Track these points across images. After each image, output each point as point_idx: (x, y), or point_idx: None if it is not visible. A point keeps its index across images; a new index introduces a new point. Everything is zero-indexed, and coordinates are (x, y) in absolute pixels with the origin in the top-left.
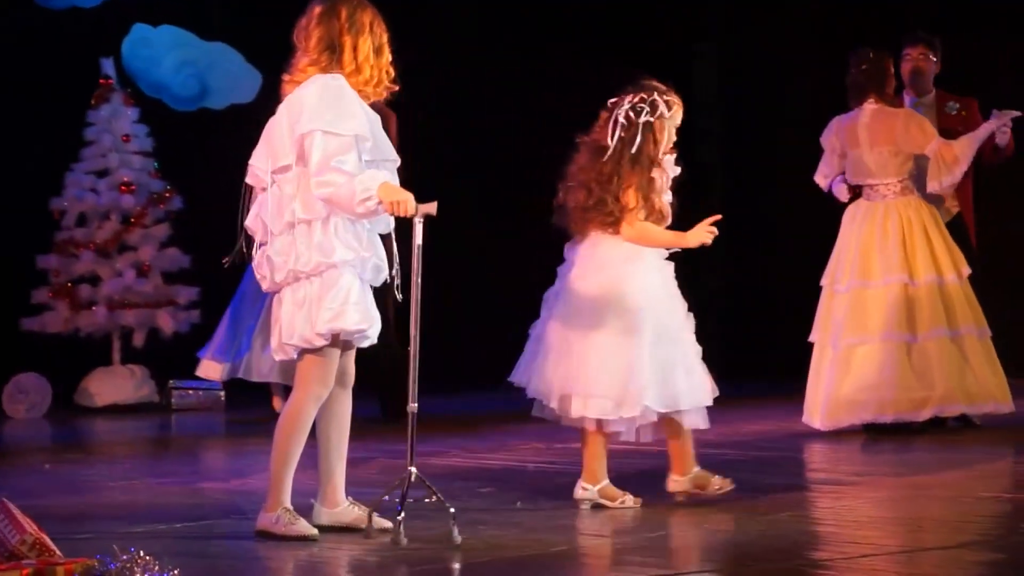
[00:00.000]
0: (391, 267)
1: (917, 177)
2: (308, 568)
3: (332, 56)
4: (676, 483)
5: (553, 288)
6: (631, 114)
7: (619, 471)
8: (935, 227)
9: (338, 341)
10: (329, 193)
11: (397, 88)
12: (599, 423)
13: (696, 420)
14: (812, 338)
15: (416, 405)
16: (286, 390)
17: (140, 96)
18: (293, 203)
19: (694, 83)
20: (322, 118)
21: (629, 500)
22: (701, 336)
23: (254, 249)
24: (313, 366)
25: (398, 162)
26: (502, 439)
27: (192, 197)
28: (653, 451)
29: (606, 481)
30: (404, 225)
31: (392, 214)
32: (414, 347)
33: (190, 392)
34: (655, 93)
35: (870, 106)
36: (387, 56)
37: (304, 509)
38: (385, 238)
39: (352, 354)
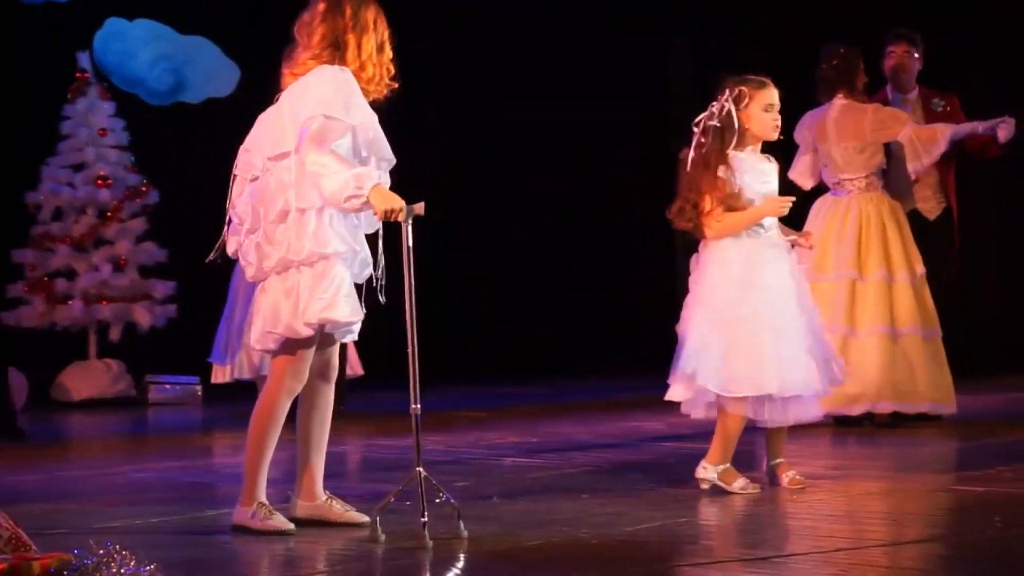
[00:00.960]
0: (376, 268)
1: (883, 173)
2: (284, 562)
3: (335, 53)
4: (704, 470)
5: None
6: (707, 122)
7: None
8: (894, 224)
9: (315, 336)
10: (318, 173)
11: (396, 85)
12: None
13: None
14: None
15: (419, 406)
16: None
17: (116, 90)
18: (288, 192)
19: (669, 75)
20: (330, 105)
21: (749, 487)
22: (663, 331)
23: (241, 236)
24: (288, 360)
25: (393, 162)
26: (479, 433)
27: (169, 191)
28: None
29: (727, 464)
30: (390, 225)
31: (383, 220)
32: (412, 348)
33: (166, 386)
34: (726, 92)
35: (839, 101)
36: (388, 53)
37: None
38: (371, 238)
39: (336, 348)
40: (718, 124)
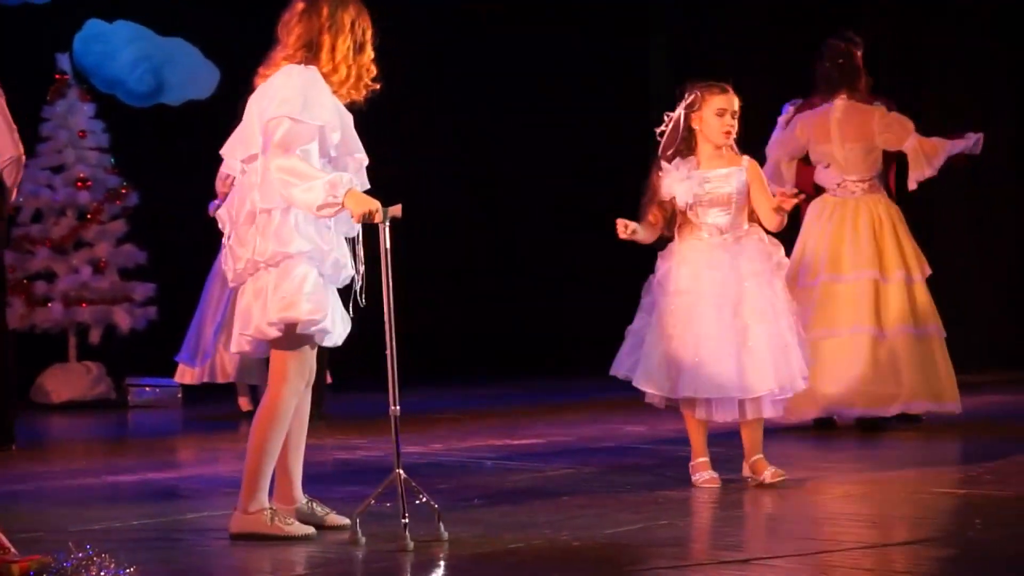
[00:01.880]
0: (357, 274)
1: (881, 175)
2: (265, 566)
3: (309, 54)
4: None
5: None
6: (667, 120)
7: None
8: (902, 226)
9: (294, 334)
10: (287, 180)
11: (377, 87)
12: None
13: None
14: None
15: (398, 408)
16: (252, 390)
17: (96, 92)
18: (254, 192)
19: (649, 75)
20: (290, 105)
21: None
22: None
23: (224, 239)
24: (290, 359)
25: (366, 161)
26: (459, 436)
27: (149, 193)
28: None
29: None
30: (368, 228)
31: (360, 223)
32: (391, 350)
33: (147, 389)
34: (691, 92)
35: (842, 102)
36: (369, 55)
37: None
38: (350, 241)
39: (314, 351)
40: (664, 129)
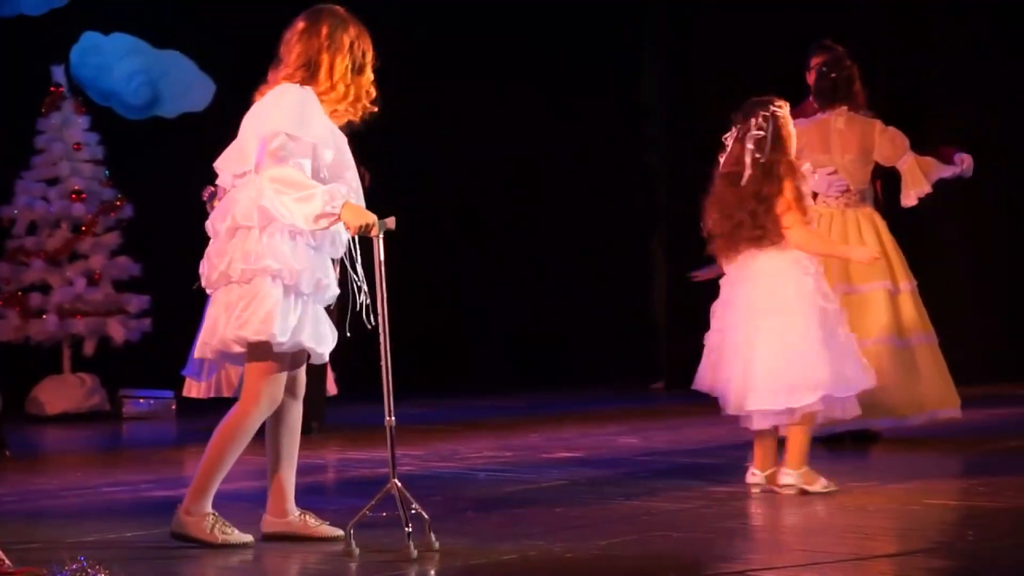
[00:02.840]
0: (359, 292)
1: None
2: None
3: (308, 72)
4: (786, 475)
5: (719, 300)
6: (758, 134)
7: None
8: (889, 237)
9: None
10: (281, 189)
11: (376, 109)
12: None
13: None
14: None
15: (393, 419)
16: None
17: (91, 104)
18: (236, 207)
19: (641, 89)
20: (286, 120)
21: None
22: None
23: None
24: (263, 380)
25: (358, 183)
26: (453, 447)
27: (143, 206)
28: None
29: (806, 467)
30: (361, 242)
31: (355, 235)
32: (385, 361)
33: (140, 401)
34: (769, 106)
35: (842, 114)
36: (368, 76)
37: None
38: (340, 261)
39: (304, 365)
40: (764, 135)
